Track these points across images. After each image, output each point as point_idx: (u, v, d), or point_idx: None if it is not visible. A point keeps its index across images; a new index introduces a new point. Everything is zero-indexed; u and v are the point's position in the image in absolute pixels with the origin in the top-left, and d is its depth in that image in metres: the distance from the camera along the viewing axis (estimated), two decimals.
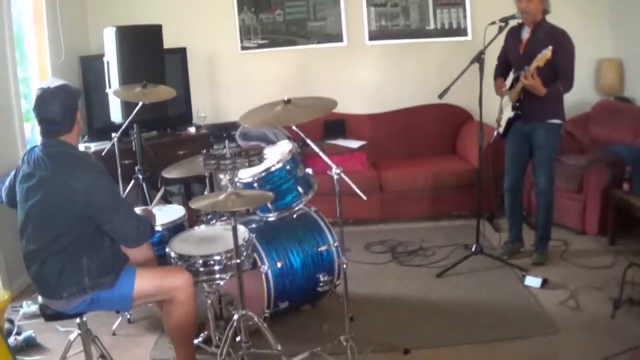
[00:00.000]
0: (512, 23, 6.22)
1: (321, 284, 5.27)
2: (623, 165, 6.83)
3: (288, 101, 4.61)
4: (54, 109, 4.02)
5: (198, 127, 8.35)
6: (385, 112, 8.85)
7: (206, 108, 8.59)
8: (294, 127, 4.92)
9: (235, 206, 4.10)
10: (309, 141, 4.78)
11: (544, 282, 6.02)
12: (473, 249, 6.43)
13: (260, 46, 8.79)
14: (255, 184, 5.01)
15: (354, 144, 8.06)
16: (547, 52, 5.81)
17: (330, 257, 5.34)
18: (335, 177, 4.57)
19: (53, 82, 4.22)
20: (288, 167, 5.07)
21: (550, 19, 6.20)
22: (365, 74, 8.93)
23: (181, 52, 8.39)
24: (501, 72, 6.57)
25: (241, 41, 8.76)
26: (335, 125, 8.41)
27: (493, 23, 6.17)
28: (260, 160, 4.22)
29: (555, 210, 6.97)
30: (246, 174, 5.01)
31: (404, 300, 5.89)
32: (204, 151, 4.45)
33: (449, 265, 6.41)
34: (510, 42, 6.40)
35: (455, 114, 8.64)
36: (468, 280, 6.20)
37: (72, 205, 3.94)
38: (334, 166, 4.57)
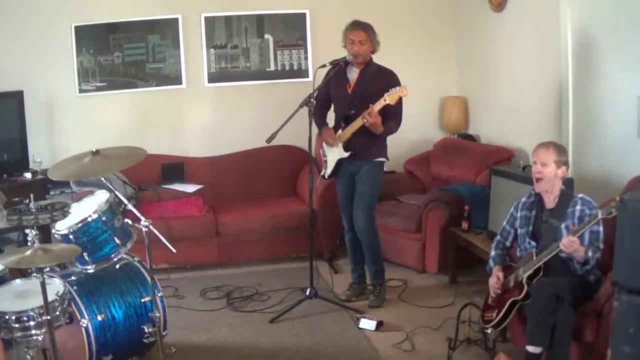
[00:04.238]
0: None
1: (146, 336, 5.07)
2: (462, 204, 6.95)
3: (97, 152, 4.59)
4: None
5: (34, 173, 7.99)
6: (225, 154, 8.74)
7: (44, 153, 8.22)
8: (102, 179, 4.92)
9: (42, 262, 4.01)
10: (118, 194, 4.88)
11: (379, 325, 6.01)
12: (307, 292, 6.37)
13: (98, 89, 8.51)
14: (71, 236, 4.87)
15: (190, 188, 7.86)
16: (402, 90, 5.97)
17: (154, 308, 5.14)
18: (144, 229, 4.56)
19: None
20: (104, 218, 4.93)
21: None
22: (204, 116, 8.82)
23: (17, 96, 8.05)
24: (319, 114, 6.56)
25: (79, 84, 8.44)
26: (173, 169, 8.19)
27: (323, 66, 6.31)
28: (64, 214, 4.17)
29: (394, 250, 7.23)
30: (62, 226, 4.89)
31: (235, 348, 5.74)
32: (27, 201, 4.27)
33: (282, 310, 6.32)
34: (334, 82, 6.39)
35: (295, 155, 8.61)
36: (302, 325, 6.11)
37: None
38: (142, 218, 4.56)
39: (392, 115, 6.20)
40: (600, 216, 4.30)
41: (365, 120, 6.03)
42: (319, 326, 6.06)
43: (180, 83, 8.67)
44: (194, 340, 5.85)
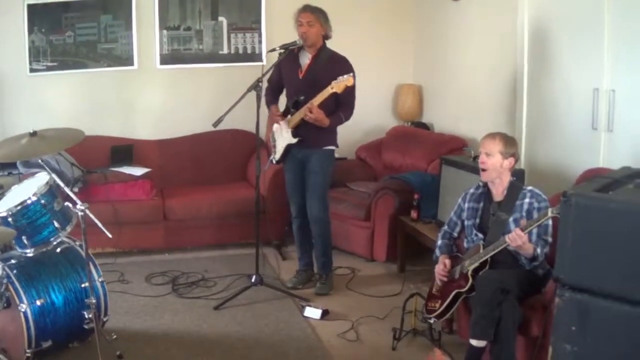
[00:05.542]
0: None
1: (86, 321, 4.95)
2: (412, 193, 6.89)
3: (34, 133, 4.52)
4: None
5: None
6: (176, 137, 8.60)
7: None
8: (40, 161, 4.85)
9: None
10: (55, 177, 4.93)
11: (325, 313, 5.95)
12: (253, 279, 6.29)
13: (49, 68, 8.31)
14: (10, 219, 4.75)
15: (138, 171, 7.70)
16: (348, 79, 5.83)
17: (95, 293, 5.03)
18: (80, 213, 4.48)
19: None
20: (43, 201, 4.82)
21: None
22: (155, 98, 8.66)
23: None
24: (271, 96, 6.52)
25: (30, 63, 8.24)
26: (122, 152, 8.05)
27: (273, 50, 6.24)
28: None
29: (343, 237, 7.17)
30: (1, 208, 4.78)
31: (177, 335, 5.64)
32: None
33: (227, 297, 6.23)
34: (286, 66, 6.31)
35: (247, 140, 8.42)
36: (246, 313, 6.04)
37: None
38: (78, 202, 4.48)
39: (344, 105, 6.14)
40: (550, 214, 4.25)
41: (306, 116, 5.97)
42: (263, 314, 5.99)
43: (132, 64, 8.51)
44: (137, 326, 5.74)
